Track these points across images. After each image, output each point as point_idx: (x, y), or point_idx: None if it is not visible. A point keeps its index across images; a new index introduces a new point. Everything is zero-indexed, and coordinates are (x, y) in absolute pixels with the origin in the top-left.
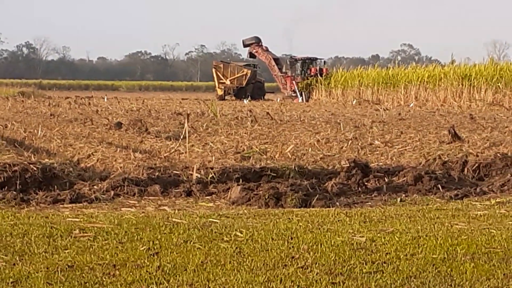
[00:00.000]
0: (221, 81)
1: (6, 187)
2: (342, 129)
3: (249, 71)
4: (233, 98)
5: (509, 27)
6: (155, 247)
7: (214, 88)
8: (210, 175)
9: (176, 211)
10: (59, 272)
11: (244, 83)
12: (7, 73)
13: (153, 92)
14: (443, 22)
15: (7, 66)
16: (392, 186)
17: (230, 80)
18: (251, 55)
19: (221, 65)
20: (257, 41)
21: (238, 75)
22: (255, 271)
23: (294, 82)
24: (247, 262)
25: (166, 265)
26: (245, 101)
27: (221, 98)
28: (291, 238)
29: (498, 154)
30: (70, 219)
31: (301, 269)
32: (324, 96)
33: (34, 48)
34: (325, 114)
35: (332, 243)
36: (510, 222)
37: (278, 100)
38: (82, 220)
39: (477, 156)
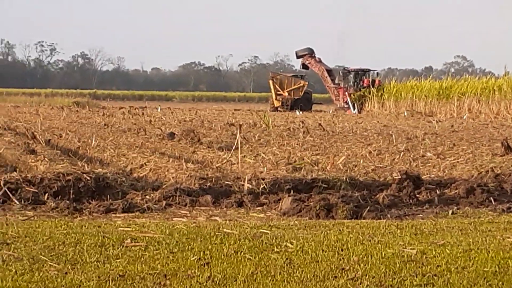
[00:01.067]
0: (278, 92)
1: (60, 196)
2: (394, 141)
3: (306, 83)
4: (284, 109)
5: None
6: (205, 257)
7: (269, 99)
8: (262, 186)
9: (227, 221)
10: (111, 281)
11: (301, 94)
12: (62, 83)
13: (206, 103)
14: (497, 34)
15: (63, 76)
16: (444, 198)
17: (287, 92)
18: (304, 66)
19: (278, 77)
20: (310, 52)
21: (295, 86)
22: (305, 282)
23: (346, 93)
24: (297, 273)
25: (216, 275)
26: (298, 113)
27: (275, 109)
28: (342, 250)
29: None
30: (122, 228)
31: (351, 281)
32: (377, 108)
33: (89, 59)
34: (377, 126)
35: (383, 255)
36: None
37: (331, 112)
38: (133, 229)
39: None
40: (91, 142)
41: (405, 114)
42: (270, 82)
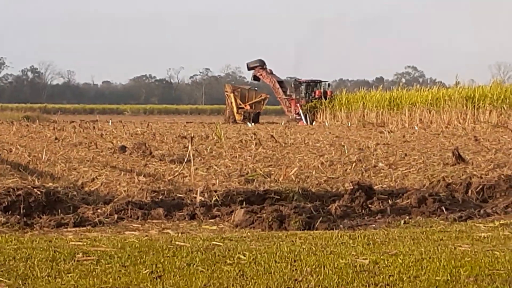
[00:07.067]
0: (240, 105)
1: (10, 211)
2: (346, 152)
3: (268, 96)
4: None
5: None
6: (158, 271)
7: (225, 112)
8: (214, 198)
9: (180, 234)
10: None
11: (262, 107)
12: (12, 97)
13: (157, 116)
14: (446, 45)
15: (12, 90)
16: (396, 208)
17: (249, 105)
18: (255, 78)
19: (239, 89)
20: (261, 64)
21: (257, 99)
22: None
23: (298, 104)
24: (250, 285)
25: None
26: (249, 124)
27: (235, 122)
28: (294, 261)
29: (502, 176)
30: (73, 242)
31: None
32: (329, 119)
33: (39, 73)
34: (330, 137)
35: (335, 265)
36: None
37: (283, 123)
38: (85, 243)
39: (481, 178)
40: (41, 157)
41: (348, 125)
42: (231, 95)
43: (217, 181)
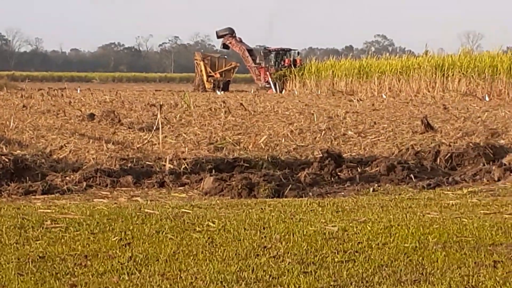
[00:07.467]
0: (210, 74)
1: None
2: (315, 120)
3: (238, 64)
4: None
5: (482, 18)
6: (127, 238)
7: (195, 80)
8: (183, 166)
9: (149, 202)
10: (30, 263)
11: (232, 76)
12: None
13: (126, 84)
14: (416, 13)
15: None
16: (365, 176)
17: (219, 73)
18: (225, 46)
19: (209, 57)
20: (231, 32)
21: (227, 68)
22: (227, 261)
23: (268, 73)
24: (219, 252)
25: (138, 256)
26: (219, 92)
27: (204, 90)
28: (264, 228)
29: (471, 144)
30: (41, 210)
31: (273, 259)
32: (298, 87)
33: (6, 40)
34: (299, 105)
35: (305, 232)
36: (481, 211)
37: (252, 91)
38: (54, 211)
39: (450, 146)
40: (9, 124)
41: (318, 93)
42: (201, 63)
43: (186, 149)
